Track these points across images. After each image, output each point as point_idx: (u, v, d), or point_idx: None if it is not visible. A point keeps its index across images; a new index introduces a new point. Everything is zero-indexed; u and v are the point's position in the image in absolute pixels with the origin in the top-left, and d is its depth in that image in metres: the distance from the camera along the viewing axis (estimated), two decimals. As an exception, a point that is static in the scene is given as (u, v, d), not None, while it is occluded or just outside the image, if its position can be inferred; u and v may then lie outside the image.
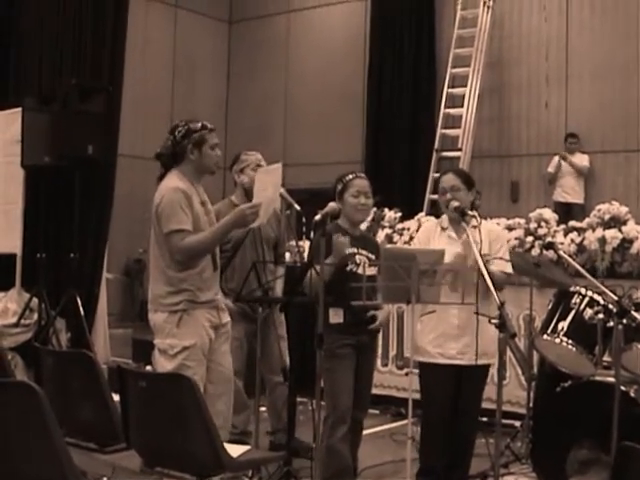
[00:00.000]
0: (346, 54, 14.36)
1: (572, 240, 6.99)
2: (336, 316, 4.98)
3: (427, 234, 5.30)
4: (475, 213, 5.10)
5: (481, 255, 4.57)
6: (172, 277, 4.52)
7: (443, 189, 5.16)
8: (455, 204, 5.01)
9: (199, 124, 4.67)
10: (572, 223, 7.29)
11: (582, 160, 11.82)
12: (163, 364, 4.52)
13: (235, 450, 3.82)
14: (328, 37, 14.80)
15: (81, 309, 8.07)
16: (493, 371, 5.65)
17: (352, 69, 14.17)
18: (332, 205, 4.95)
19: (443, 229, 5.21)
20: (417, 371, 5.23)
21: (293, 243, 6.86)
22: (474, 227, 4.98)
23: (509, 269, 5.15)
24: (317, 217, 4.73)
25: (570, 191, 11.86)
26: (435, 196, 5.69)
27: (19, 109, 8.23)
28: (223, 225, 4.58)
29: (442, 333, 5.08)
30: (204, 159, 4.66)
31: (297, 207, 5.59)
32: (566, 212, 10.86)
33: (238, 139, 14.37)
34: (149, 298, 4.65)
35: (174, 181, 4.58)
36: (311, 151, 14.37)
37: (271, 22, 15.55)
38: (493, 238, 5.10)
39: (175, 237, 4.46)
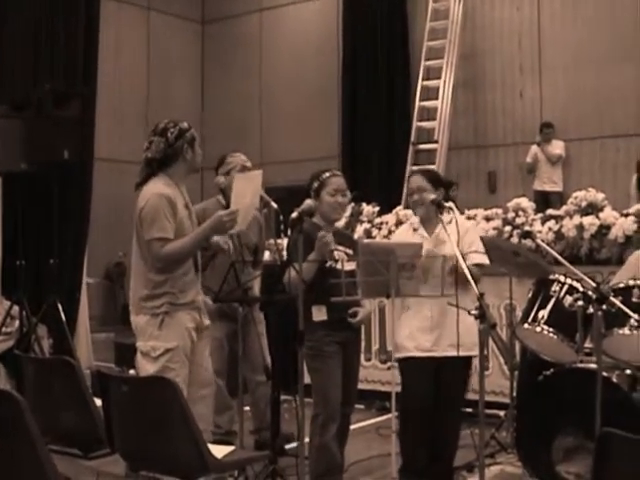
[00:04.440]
0: (319, 50, 14.37)
1: (550, 228, 7.02)
2: (319, 313, 4.97)
3: (403, 237, 5.37)
4: (452, 205, 5.12)
5: (457, 247, 4.59)
6: (153, 280, 4.50)
7: (411, 190, 5.27)
8: (431, 196, 5.03)
9: (185, 123, 4.68)
10: (549, 211, 7.33)
11: (555, 148, 11.88)
12: (145, 367, 4.49)
13: (220, 451, 3.82)
14: (301, 34, 14.80)
15: (62, 315, 8.02)
16: (476, 362, 5.67)
17: (326, 65, 14.17)
18: (308, 202, 4.93)
19: (415, 230, 5.27)
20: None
21: (272, 241, 6.85)
22: (449, 222, 4.98)
23: (485, 260, 5.17)
24: (294, 215, 4.72)
25: (547, 180, 11.92)
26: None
27: (-7, 116, 8.19)
28: (201, 231, 4.59)
29: (416, 327, 5.11)
30: (197, 157, 4.70)
31: (274, 205, 5.58)
32: (545, 200, 10.92)
33: (215, 139, 14.32)
34: (130, 301, 4.63)
35: (159, 186, 4.54)
36: (288, 148, 14.37)
37: (243, 21, 15.54)
38: (463, 232, 5.03)
39: (156, 245, 4.45)
